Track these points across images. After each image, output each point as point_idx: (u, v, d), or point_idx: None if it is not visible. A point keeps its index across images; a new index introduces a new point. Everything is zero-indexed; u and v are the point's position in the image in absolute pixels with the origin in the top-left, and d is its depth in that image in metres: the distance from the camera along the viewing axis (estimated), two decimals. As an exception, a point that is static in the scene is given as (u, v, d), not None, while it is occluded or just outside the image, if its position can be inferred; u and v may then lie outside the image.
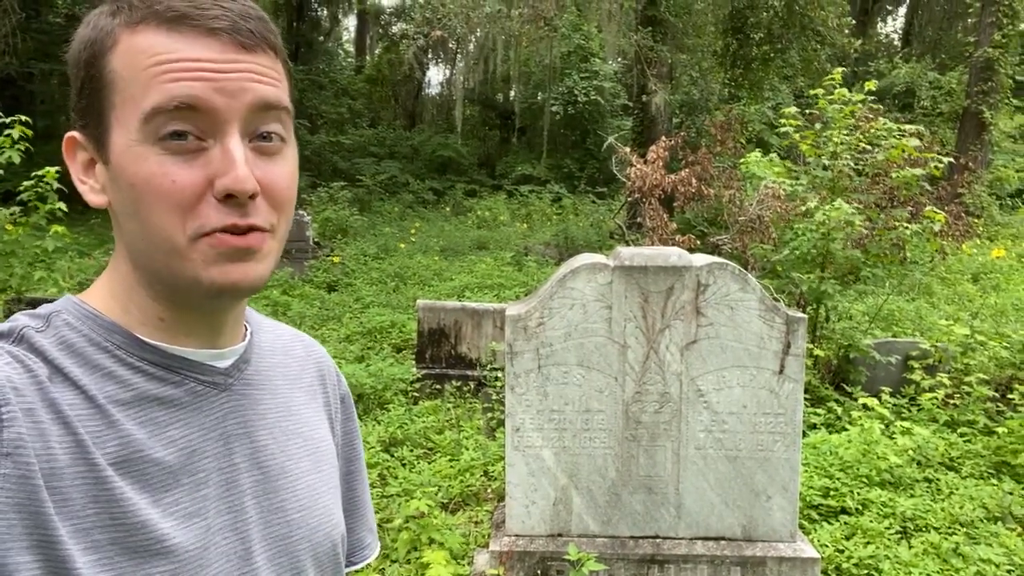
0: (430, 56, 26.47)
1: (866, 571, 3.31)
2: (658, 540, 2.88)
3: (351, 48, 30.63)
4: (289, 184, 0.69)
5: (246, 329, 0.79)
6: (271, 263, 0.69)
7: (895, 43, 26.69)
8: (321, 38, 26.21)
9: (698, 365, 2.82)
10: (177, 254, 0.64)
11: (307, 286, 9.21)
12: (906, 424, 4.53)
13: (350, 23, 30.17)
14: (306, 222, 10.34)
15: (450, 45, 24.36)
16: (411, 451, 4.64)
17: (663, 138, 8.01)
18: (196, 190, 0.63)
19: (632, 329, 2.80)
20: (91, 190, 0.69)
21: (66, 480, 0.59)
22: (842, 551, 3.43)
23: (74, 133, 0.68)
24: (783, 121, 6.04)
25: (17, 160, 4.98)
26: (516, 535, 2.89)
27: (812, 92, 6.26)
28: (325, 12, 26.62)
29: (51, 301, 0.71)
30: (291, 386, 0.83)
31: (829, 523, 3.71)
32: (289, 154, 0.69)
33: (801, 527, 3.70)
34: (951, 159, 6.63)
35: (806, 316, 2.84)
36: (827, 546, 3.46)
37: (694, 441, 2.86)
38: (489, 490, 4.17)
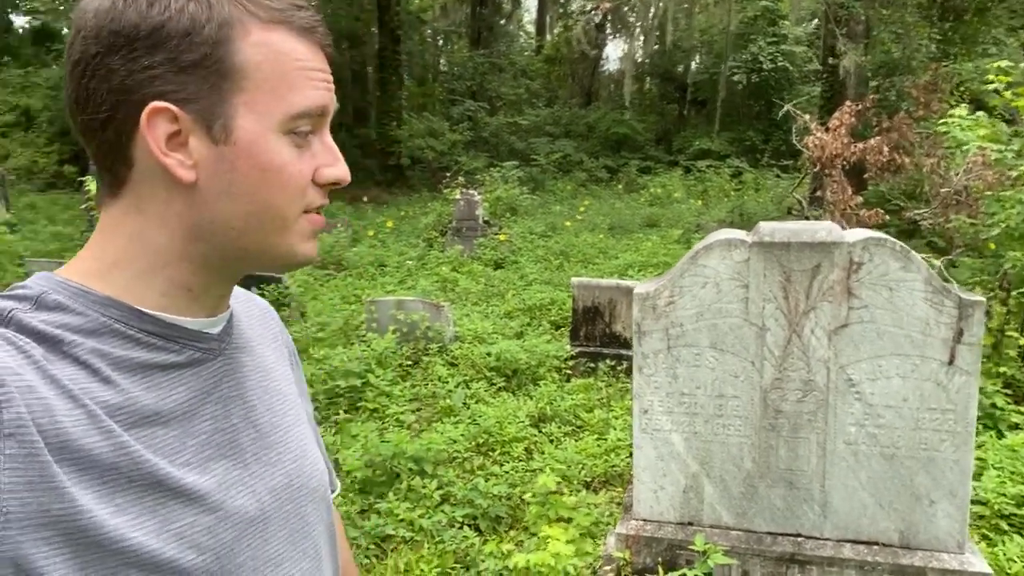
0: (608, 31, 26.08)
1: (1063, 596, 2.85)
2: (799, 539, 2.66)
3: (531, 29, 30.96)
4: None
5: None
6: None
7: None
8: (503, 21, 26.72)
9: (849, 352, 2.55)
10: (285, 229, 0.73)
11: (475, 263, 9.50)
12: None
13: (531, 4, 30.49)
14: (476, 201, 10.62)
15: (629, 19, 23.84)
16: (559, 428, 4.65)
17: (847, 103, 7.29)
18: (310, 177, 0.73)
19: (771, 310, 2.58)
20: (181, 165, 0.67)
21: (81, 451, 0.60)
22: (1034, 570, 2.98)
23: (167, 105, 0.66)
24: (989, 76, 5.26)
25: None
26: (644, 520, 2.81)
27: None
28: (507, -5, 27.09)
29: None
30: (262, 345, 0.87)
31: (1021, 536, 3.24)
32: None
33: (986, 538, 3.26)
34: None
35: (984, 299, 2.46)
36: (1015, 561, 3.02)
37: (843, 435, 2.60)
38: (633, 472, 4.08)
